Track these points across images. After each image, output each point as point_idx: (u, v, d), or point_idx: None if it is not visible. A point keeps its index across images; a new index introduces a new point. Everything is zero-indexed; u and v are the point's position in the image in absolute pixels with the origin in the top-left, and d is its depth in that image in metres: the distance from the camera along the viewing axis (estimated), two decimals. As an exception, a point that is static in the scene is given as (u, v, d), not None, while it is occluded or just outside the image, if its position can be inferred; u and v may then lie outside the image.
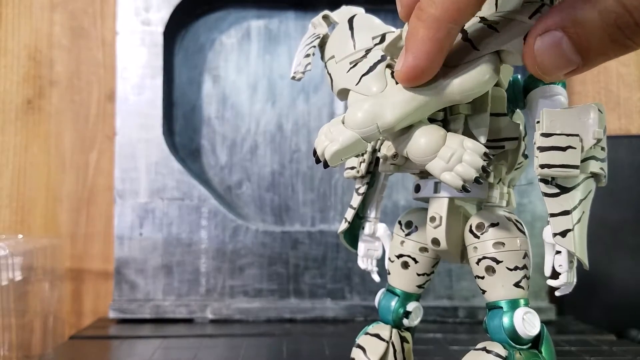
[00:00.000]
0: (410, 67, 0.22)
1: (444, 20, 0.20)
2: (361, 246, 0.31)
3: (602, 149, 0.24)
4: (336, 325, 0.53)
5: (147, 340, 0.47)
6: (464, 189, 0.22)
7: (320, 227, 0.58)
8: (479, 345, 0.25)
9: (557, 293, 0.24)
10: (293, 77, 0.27)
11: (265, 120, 0.59)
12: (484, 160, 0.22)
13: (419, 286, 0.28)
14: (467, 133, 0.25)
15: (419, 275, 0.28)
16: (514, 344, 0.24)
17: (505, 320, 0.24)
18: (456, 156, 0.22)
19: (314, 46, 0.27)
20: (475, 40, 0.22)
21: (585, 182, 0.23)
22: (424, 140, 0.23)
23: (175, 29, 0.58)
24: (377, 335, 0.28)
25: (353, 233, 0.31)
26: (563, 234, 0.23)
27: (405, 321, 0.28)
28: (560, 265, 0.24)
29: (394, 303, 0.28)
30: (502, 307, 0.25)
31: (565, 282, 0.24)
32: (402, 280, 0.28)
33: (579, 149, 0.22)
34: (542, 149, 0.23)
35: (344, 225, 0.30)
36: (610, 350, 0.43)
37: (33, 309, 0.45)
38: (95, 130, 0.59)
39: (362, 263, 0.31)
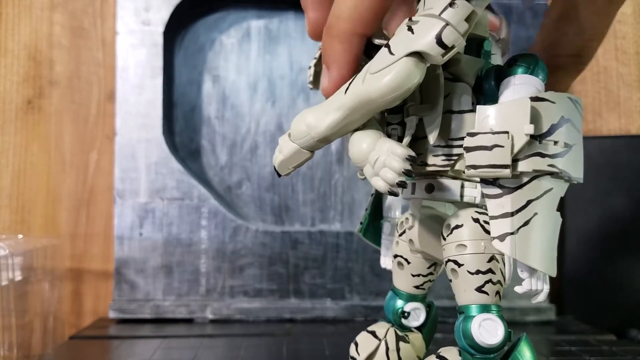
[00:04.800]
0: (336, 81, 0.23)
1: (353, 32, 0.22)
2: (382, 246, 0.31)
3: (555, 143, 0.22)
4: (336, 325, 0.53)
5: (147, 340, 0.47)
6: (392, 193, 0.22)
7: (320, 227, 0.58)
8: (439, 350, 0.24)
9: (532, 300, 0.23)
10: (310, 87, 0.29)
11: (265, 120, 0.59)
12: (407, 163, 0.22)
13: (417, 287, 0.28)
14: (423, 134, 0.24)
15: (413, 276, 0.28)
16: (473, 352, 0.23)
17: (463, 326, 0.23)
18: (380, 160, 0.22)
19: (315, 57, 0.29)
20: (392, 45, 0.22)
21: (535, 181, 0.22)
22: (356, 146, 0.23)
23: (175, 29, 0.58)
24: (373, 333, 0.28)
25: (379, 233, 0.32)
26: (501, 237, 0.22)
27: (404, 321, 0.28)
28: (521, 271, 0.22)
29: (393, 302, 0.29)
30: (463, 312, 0.23)
31: (529, 289, 0.22)
32: (399, 280, 0.29)
33: (508, 147, 0.21)
34: (468, 150, 0.22)
35: (358, 226, 0.31)
36: (610, 350, 0.43)
37: (33, 309, 0.45)
38: (95, 130, 0.59)
39: (383, 262, 0.31)
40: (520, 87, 0.23)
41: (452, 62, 0.24)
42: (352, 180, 0.59)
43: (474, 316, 0.23)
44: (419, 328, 0.29)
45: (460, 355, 0.23)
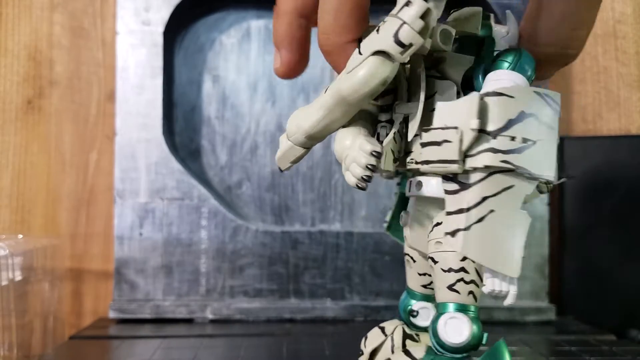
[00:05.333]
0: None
1: (344, 42, 0.23)
2: None
3: (513, 138, 0.21)
4: (336, 325, 0.53)
5: (147, 340, 0.47)
6: (359, 187, 0.22)
7: (320, 227, 0.58)
8: (408, 346, 0.24)
9: (504, 303, 0.22)
10: None
11: (265, 120, 0.59)
12: (372, 158, 0.22)
13: (424, 286, 0.28)
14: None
15: (419, 274, 0.28)
16: (441, 350, 0.23)
17: (433, 323, 0.23)
18: (350, 156, 0.23)
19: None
20: (362, 46, 0.22)
21: (493, 178, 0.21)
22: (338, 143, 0.24)
23: (175, 29, 0.58)
24: (382, 329, 0.28)
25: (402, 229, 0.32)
26: (453, 233, 0.22)
27: (412, 319, 0.28)
28: (485, 272, 0.22)
29: (406, 301, 0.28)
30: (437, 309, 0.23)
31: (491, 289, 0.22)
32: (410, 279, 0.29)
33: (457, 142, 0.21)
34: (423, 145, 0.23)
35: (384, 225, 0.31)
36: (610, 350, 0.43)
37: (33, 309, 0.45)
38: (95, 130, 0.59)
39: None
40: (495, 83, 0.23)
41: (439, 60, 0.24)
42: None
43: (442, 314, 0.23)
44: None
45: (425, 352, 0.23)
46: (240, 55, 0.60)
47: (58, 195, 0.58)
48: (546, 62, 0.25)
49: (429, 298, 0.28)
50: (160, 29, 0.55)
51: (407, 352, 0.24)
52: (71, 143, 0.58)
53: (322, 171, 0.59)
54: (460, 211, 0.22)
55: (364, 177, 0.22)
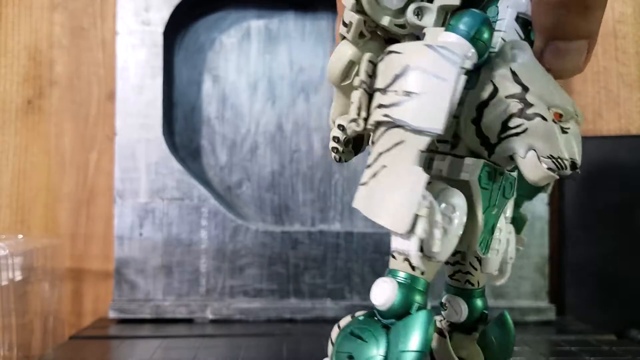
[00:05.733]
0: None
1: None
2: None
3: (396, 92, 0.21)
4: (336, 325, 0.53)
5: (147, 340, 0.47)
6: (335, 159, 0.25)
7: (320, 227, 0.58)
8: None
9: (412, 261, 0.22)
10: None
11: (265, 120, 0.59)
12: (336, 130, 0.24)
13: (450, 277, 0.27)
14: None
15: (445, 263, 0.27)
16: (375, 312, 0.23)
17: None
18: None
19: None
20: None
21: (386, 134, 0.21)
22: None
23: (175, 29, 0.58)
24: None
25: None
26: (357, 191, 0.22)
27: (442, 312, 0.28)
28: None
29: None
30: None
31: (394, 247, 0.22)
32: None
33: (356, 102, 0.22)
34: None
35: None
36: (610, 350, 0.43)
37: (33, 309, 0.45)
38: (95, 130, 0.59)
39: None
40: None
41: (397, 38, 0.24)
42: (352, 180, 0.59)
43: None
44: (481, 332, 0.27)
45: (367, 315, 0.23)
46: (240, 55, 0.60)
47: (58, 195, 0.58)
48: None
49: (454, 290, 0.27)
50: (160, 29, 0.55)
51: (353, 315, 0.24)
52: (71, 143, 0.58)
53: (322, 171, 0.59)
54: (367, 167, 0.22)
55: (332, 148, 0.25)
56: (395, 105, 0.21)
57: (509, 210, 0.26)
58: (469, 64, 0.20)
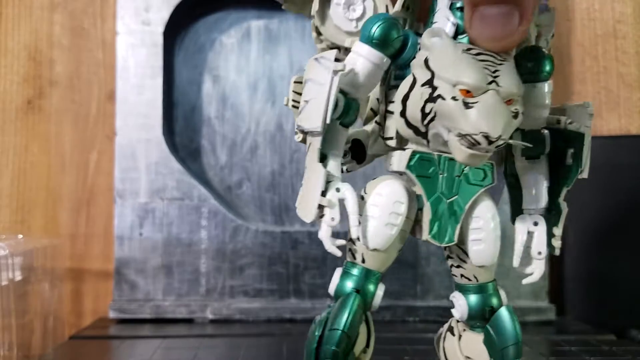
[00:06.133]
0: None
1: None
2: None
3: (302, 103, 0.25)
4: (336, 325, 0.53)
5: (147, 340, 0.47)
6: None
7: (320, 227, 0.58)
8: None
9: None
10: None
11: (265, 120, 0.59)
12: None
13: (451, 272, 0.28)
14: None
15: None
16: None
17: None
18: None
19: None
20: None
21: (307, 138, 0.25)
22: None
23: (175, 29, 0.58)
24: None
25: None
26: None
27: (452, 310, 0.28)
28: None
29: None
30: None
31: (320, 235, 0.24)
32: None
33: (297, 115, 0.25)
34: None
35: None
36: (610, 350, 0.43)
37: (33, 309, 0.45)
38: (95, 130, 0.59)
39: None
40: None
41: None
42: (352, 181, 0.59)
43: None
44: (484, 330, 0.27)
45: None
46: (240, 55, 0.60)
47: (58, 195, 0.58)
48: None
49: (456, 286, 0.27)
50: (160, 29, 0.55)
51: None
52: (71, 143, 0.58)
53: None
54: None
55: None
56: (300, 114, 0.24)
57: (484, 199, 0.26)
58: (340, 66, 0.23)
